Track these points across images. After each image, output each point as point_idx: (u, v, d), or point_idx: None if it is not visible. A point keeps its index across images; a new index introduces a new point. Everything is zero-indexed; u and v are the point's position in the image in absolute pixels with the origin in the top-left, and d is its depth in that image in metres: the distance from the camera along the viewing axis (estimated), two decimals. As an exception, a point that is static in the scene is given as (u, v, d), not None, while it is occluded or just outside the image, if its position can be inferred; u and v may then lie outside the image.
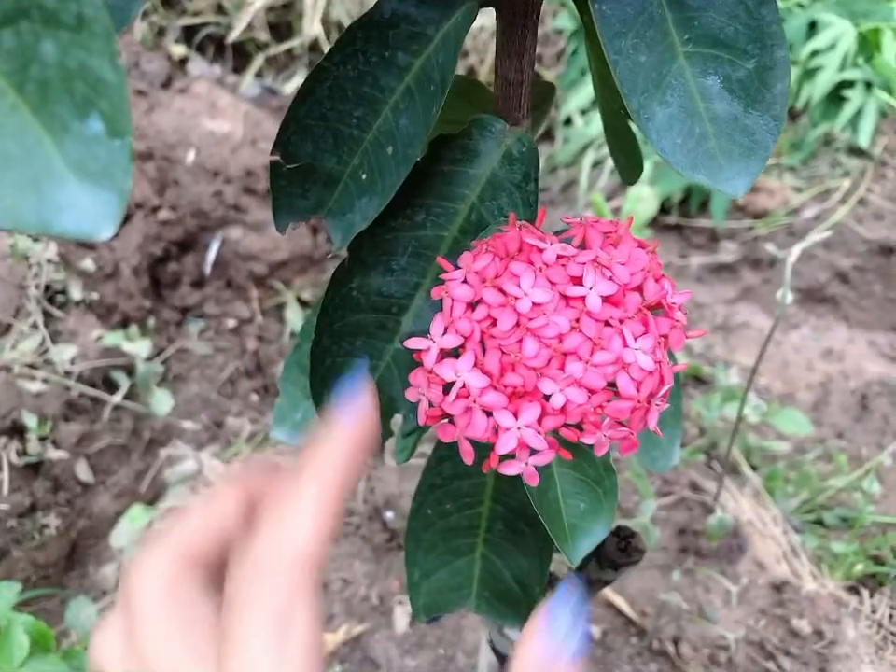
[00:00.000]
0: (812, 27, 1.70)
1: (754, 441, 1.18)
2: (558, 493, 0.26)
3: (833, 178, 1.55)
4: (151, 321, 1.21)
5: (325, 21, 1.80)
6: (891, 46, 1.83)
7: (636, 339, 0.22)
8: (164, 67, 1.57)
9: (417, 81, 0.26)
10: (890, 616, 0.92)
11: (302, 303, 1.34)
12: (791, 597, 0.82)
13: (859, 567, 0.98)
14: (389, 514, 0.84)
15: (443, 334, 0.23)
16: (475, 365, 0.22)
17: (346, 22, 1.82)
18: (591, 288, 0.22)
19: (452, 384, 0.23)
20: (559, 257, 0.23)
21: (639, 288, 0.24)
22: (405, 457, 0.29)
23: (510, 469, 0.23)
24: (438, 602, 0.36)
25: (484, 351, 0.23)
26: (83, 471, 1.07)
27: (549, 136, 1.75)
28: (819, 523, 1.09)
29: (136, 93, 1.52)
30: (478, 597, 0.37)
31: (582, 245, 0.24)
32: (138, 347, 1.13)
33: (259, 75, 1.80)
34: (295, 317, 1.29)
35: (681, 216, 1.60)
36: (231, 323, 1.29)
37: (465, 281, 0.23)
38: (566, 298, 0.22)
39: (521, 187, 0.27)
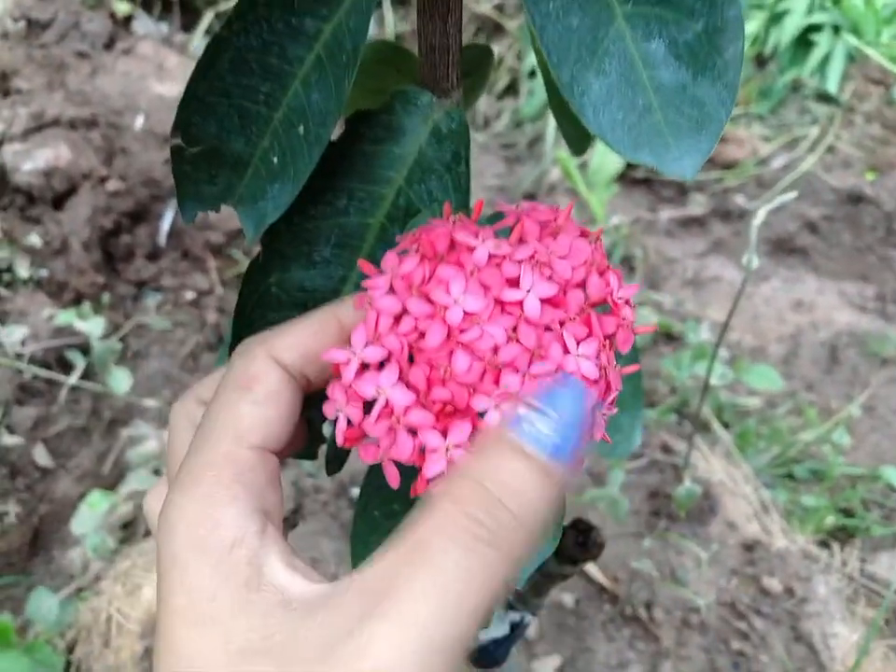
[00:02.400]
0: (780, -32, 1.65)
1: (726, 398, 1.18)
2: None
3: (801, 126, 1.53)
4: (106, 297, 1.17)
5: (276, -26, 1.71)
6: (858, -12, 1.78)
7: (578, 344, 0.20)
8: (107, 27, 1.48)
9: (328, 50, 0.23)
10: (861, 569, 0.93)
11: (264, 273, 1.30)
12: (761, 556, 0.82)
13: (829, 521, 0.99)
14: (356, 490, 0.82)
15: (364, 344, 0.20)
16: (399, 379, 0.20)
17: (299, -26, 1.73)
18: (528, 291, 0.20)
19: (373, 401, 0.20)
20: (492, 256, 0.20)
21: (582, 284, 0.21)
22: (335, 469, 0.27)
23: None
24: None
25: (411, 364, 0.20)
26: (41, 456, 1.04)
27: (513, 90, 1.70)
28: (790, 477, 1.09)
29: (77, 56, 1.45)
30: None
31: (520, 238, 0.21)
32: (92, 325, 1.09)
33: (209, 32, 1.72)
34: (256, 288, 1.25)
35: (650, 169, 1.58)
36: (190, 295, 1.25)
37: (390, 288, 0.20)
38: (501, 303, 0.20)
39: (451, 167, 0.24)
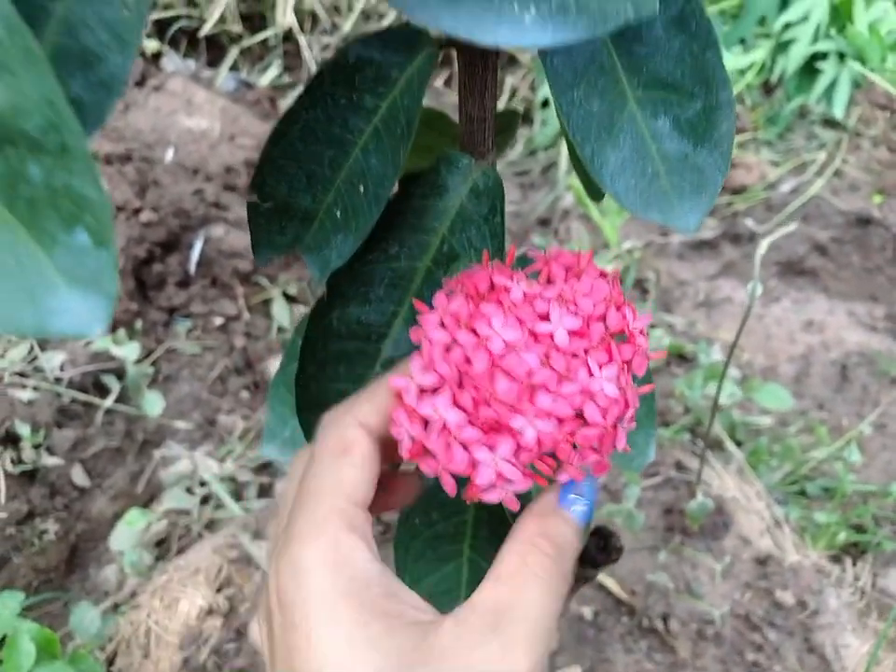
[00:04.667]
0: (784, 0, 1.70)
1: (738, 417, 1.21)
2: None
3: (808, 151, 1.57)
4: (139, 323, 1.22)
5: (298, 11, 1.78)
6: (863, 15, 1.84)
7: (600, 368, 0.24)
8: (138, 65, 1.55)
9: (385, 123, 0.27)
10: (873, 583, 0.95)
11: (289, 298, 1.35)
12: (774, 570, 0.85)
13: (841, 536, 1.01)
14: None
15: (422, 372, 0.24)
16: (452, 401, 0.24)
17: (319, 12, 1.80)
18: (557, 324, 0.24)
19: (431, 421, 0.24)
20: (526, 295, 0.24)
21: (602, 317, 0.25)
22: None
23: (491, 498, 0.24)
24: (431, 598, 0.38)
25: (460, 388, 0.24)
26: (79, 476, 1.08)
27: (527, 119, 1.76)
28: (803, 494, 1.11)
29: (110, 92, 1.51)
30: (466, 589, 0.39)
31: (548, 279, 0.26)
32: (127, 350, 1.14)
33: (234, 68, 1.79)
34: (282, 313, 1.30)
35: (661, 194, 1.62)
36: (219, 321, 1.29)
37: (441, 322, 0.24)
38: (534, 335, 0.24)
39: (488, 219, 0.28)
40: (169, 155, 1.42)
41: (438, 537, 0.37)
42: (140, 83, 1.55)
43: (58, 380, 1.11)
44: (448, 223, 0.29)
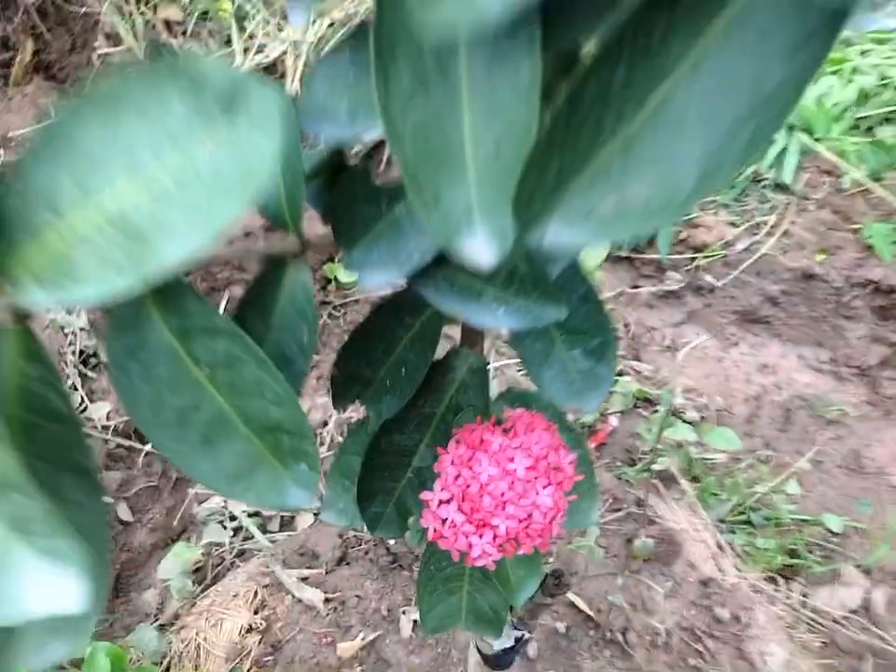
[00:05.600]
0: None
1: (696, 454, 1.39)
2: (507, 568, 0.45)
3: (761, 213, 1.76)
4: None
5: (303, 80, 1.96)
6: (811, 90, 2.06)
7: (543, 488, 0.42)
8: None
9: (418, 333, 0.45)
10: (803, 602, 1.13)
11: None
12: (715, 590, 1.03)
13: (777, 560, 1.20)
14: (392, 541, 1.04)
15: (440, 490, 0.42)
16: (458, 508, 0.42)
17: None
18: (518, 464, 0.42)
19: (446, 519, 0.42)
20: (500, 446, 0.42)
21: (546, 457, 0.43)
22: (418, 540, 0.49)
23: (479, 563, 0.42)
24: (440, 625, 0.55)
25: (463, 501, 0.42)
26: (124, 512, 1.25)
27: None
28: (749, 523, 1.30)
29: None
30: (466, 620, 0.56)
31: (514, 433, 0.44)
32: (163, 400, 1.31)
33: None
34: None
35: (631, 250, 1.81)
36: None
37: (452, 461, 0.42)
38: (506, 470, 0.42)
39: (479, 386, 0.47)
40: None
41: (446, 578, 0.55)
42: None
43: (105, 427, 1.28)
44: (455, 387, 0.47)
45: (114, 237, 0.26)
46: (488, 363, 0.47)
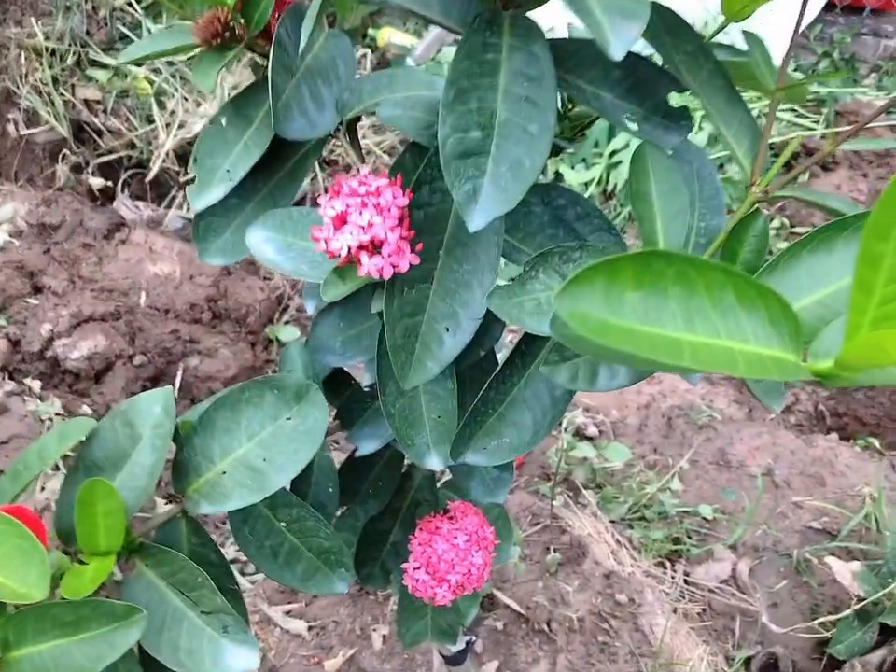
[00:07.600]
0: (611, 129, 2.22)
1: (597, 464, 1.69)
2: (458, 602, 0.70)
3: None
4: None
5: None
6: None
7: (475, 552, 0.68)
8: (104, 222, 1.89)
9: (387, 464, 0.70)
10: (685, 579, 1.44)
11: (255, 408, 1.73)
12: (615, 580, 1.32)
13: (666, 547, 1.50)
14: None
15: (413, 562, 0.68)
16: (426, 571, 0.67)
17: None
18: (460, 539, 0.67)
19: (418, 579, 0.67)
20: (448, 530, 0.68)
21: (476, 532, 0.69)
22: (398, 591, 0.74)
23: (441, 603, 0.67)
24: (414, 640, 0.81)
25: (428, 566, 0.67)
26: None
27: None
28: (643, 519, 1.60)
29: (84, 247, 1.85)
30: (432, 635, 0.82)
31: (456, 519, 0.69)
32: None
33: (180, 207, 2.15)
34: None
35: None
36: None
37: (419, 543, 0.68)
38: (453, 545, 0.67)
39: (430, 486, 0.72)
40: (143, 299, 1.78)
41: (416, 610, 0.80)
42: (107, 237, 1.90)
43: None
44: (414, 488, 0.72)
45: (244, 472, 0.50)
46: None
